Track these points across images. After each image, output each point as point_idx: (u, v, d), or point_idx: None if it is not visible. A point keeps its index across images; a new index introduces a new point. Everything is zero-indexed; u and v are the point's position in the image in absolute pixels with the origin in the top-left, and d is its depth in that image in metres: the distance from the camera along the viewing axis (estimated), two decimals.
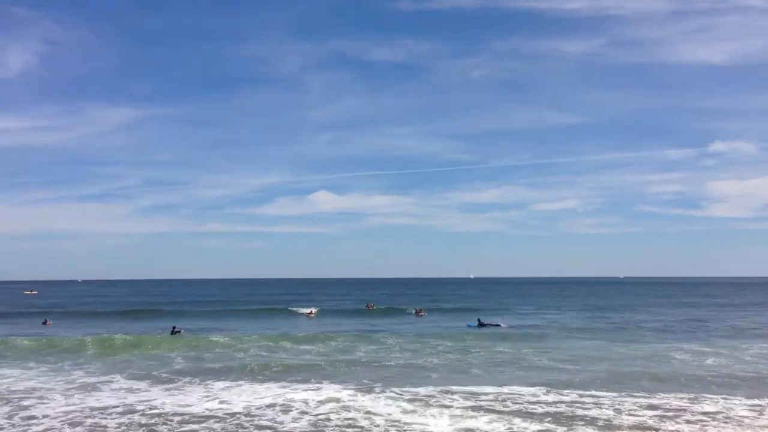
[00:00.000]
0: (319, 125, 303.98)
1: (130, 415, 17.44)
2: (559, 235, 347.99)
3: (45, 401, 19.44)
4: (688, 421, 16.58)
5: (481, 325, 44.86)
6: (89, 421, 16.96)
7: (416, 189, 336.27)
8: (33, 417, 17.50)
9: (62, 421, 17.00)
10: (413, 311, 62.43)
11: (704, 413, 17.43)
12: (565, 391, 20.41)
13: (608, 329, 44.36)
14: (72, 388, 21.60)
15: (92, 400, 19.56)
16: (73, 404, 19.02)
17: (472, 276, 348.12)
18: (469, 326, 45.37)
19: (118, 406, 18.56)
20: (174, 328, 39.34)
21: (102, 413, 17.74)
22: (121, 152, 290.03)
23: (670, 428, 15.94)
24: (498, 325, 44.63)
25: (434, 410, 17.77)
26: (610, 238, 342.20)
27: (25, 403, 19.22)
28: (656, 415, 17.19)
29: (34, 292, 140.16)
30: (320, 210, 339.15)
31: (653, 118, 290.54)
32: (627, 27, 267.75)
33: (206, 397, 20.02)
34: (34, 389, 21.46)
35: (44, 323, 51.48)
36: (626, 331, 42.60)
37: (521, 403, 18.65)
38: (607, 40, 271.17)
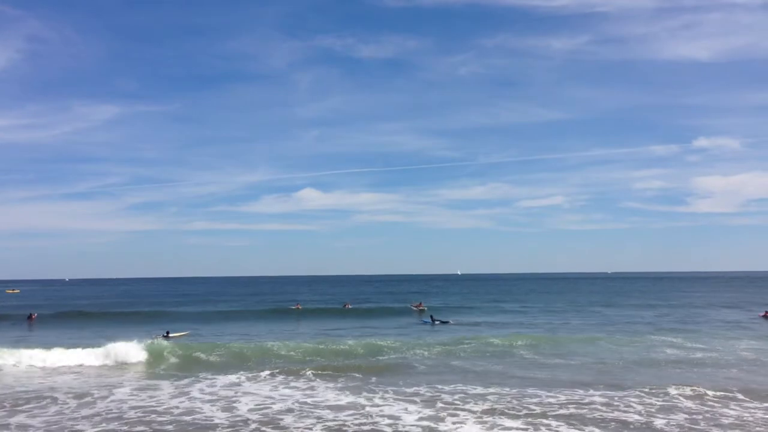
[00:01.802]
0: (306, 122, 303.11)
1: (126, 422, 16.40)
2: (546, 232, 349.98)
3: (32, 407, 18.35)
4: (719, 425, 15.89)
5: (434, 321, 45.99)
6: (78, 427, 15.89)
7: (403, 186, 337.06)
8: (6, 426, 16.41)
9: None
10: (413, 307, 61.30)
11: (730, 416, 16.76)
12: (574, 391, 19.85)
13: (598, 324, 44.15)
14: (67, 395, 20.44)
15: (86, 409, 18.43)
16: (63, 413, 17.89)
17: (459, 272, 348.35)
18: (424, 322, 46.82)
19: (111, 410, 17.52)
20: (167, 333, 38.00)
21: (88, 421, 16.68)
22: (106, 149, 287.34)
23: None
24: (447, 322, 45.86)
25: (459, 414, 16.93)
26: (596, 234, 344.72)
27: (17, 408, 18.13)
28: (688, 418, 16.49)
29: (16, 291, 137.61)
30: (307, 207, 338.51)
31: (638, 115, 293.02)
32: (612, 24, 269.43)
33: (212, 401, 18.99)
34: (22, 394, 20.31)
35: (29, 318, 50.48)
36: (616, 326, 42.38)
37: (536, 404, 17.85)
38: (592, 37, 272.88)
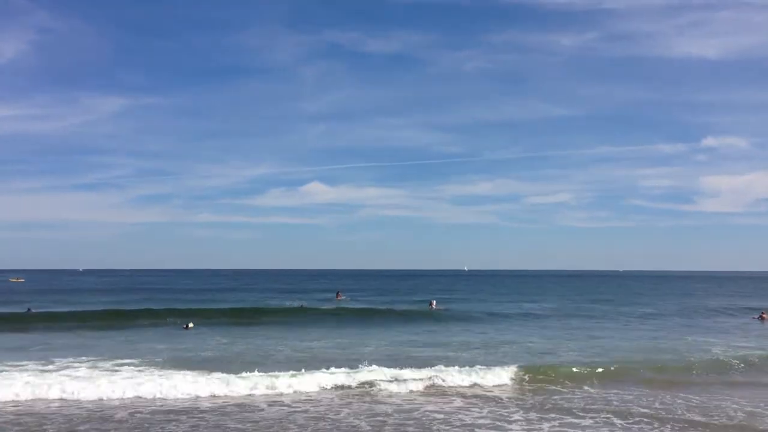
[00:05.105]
0: (312, 116, 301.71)
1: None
2: (552, 229, 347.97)
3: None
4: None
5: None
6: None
7: (409, 181, 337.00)
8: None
9: None
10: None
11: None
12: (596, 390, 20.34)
13: (609, 321, 44.72)
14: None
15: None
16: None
17: (466, 268, 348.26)
18: None
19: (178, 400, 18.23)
20: (187, 325, 38.31)
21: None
22: (113, 141, 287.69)
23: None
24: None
25: (524, 409, 17.52)
26: (602, 231, 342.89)
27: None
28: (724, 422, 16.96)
29: (20, 280, 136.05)
30: (313, 201, 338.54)
31: (646, 112, 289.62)
32: (621, 21, 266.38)
33: (269, 398, 19.48)
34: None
35: (28, 311, 48.50)
36: (624, 323, 42.79)
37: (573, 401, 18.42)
38: (600, 34, 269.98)
